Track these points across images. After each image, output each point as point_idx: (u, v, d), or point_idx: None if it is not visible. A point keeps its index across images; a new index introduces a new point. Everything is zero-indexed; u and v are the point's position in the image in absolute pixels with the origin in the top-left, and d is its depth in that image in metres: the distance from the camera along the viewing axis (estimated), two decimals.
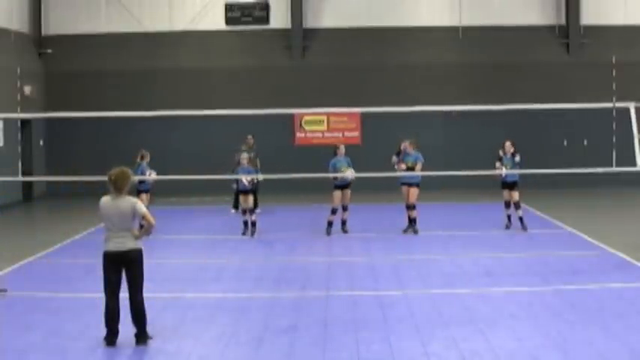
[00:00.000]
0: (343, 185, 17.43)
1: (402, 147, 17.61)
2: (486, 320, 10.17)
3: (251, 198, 17.61)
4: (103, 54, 27.37)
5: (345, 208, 17.67)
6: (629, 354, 8.66)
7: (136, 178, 14.95)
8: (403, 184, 17.53)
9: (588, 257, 14.56)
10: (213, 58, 27.50)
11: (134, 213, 9.36)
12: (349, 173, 17.05)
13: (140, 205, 9.46)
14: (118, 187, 9.37)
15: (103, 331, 9.40)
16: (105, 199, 9.45)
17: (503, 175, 17.50)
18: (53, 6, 27.65)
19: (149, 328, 9.41)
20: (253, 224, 17.62)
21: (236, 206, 20.60)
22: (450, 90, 26.57)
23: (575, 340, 9.21)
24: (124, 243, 9.28)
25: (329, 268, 13.94)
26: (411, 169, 17.17)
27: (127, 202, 9.36)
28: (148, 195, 17.55)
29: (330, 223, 17.58)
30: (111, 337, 9.30)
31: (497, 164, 17.61)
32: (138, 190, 17.01)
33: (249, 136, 21.49)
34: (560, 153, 26.43)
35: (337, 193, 17.48)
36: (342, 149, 17.52)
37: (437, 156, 23.88)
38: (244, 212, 17.73)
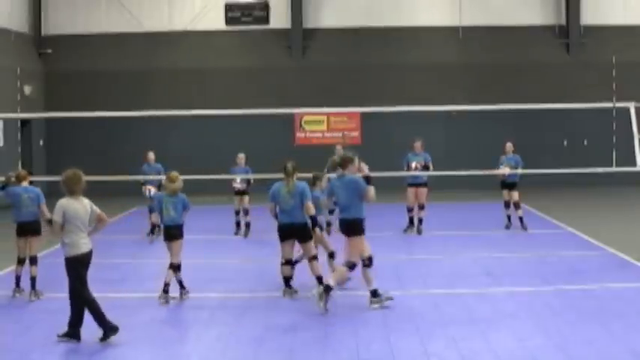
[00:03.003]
0: None
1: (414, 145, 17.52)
2: (486, 320, 10.17)
3: (247, 198, 17.56)
4: (103, 54, 27.38)
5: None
6: (629, 354, 8.65)
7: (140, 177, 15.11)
8: (410, 185, 17.48)
9: (588, 257, 14.55)
10: (213, 58, 27.51)
11: (92, 212, 9.56)
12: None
13: (92, 204, 9.61)
14: (70, 190, 9.41)
15: (101, 331, 9.39)
16: (68, 202, 9.42)
17: (506, 174, 17.49)
18: (53, 6, 27.66)
19: (150, 328, 9.40)
20: (247, 225, 17.58)
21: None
22: (450, 90, 26.56)
23: (575, 340, 9.21)
24: (89, 243, 9.49)
25: (329, 268, 13.91)
26: (424, 168, 17.22)
27: (88, 203, 9.53)
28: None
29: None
30: (112, 332, 9.32)
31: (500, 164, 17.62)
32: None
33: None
34: (560, 153, 26.43)
35: None
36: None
37: (437, 156, 23.76)
38: (237, 213, 17.70)
